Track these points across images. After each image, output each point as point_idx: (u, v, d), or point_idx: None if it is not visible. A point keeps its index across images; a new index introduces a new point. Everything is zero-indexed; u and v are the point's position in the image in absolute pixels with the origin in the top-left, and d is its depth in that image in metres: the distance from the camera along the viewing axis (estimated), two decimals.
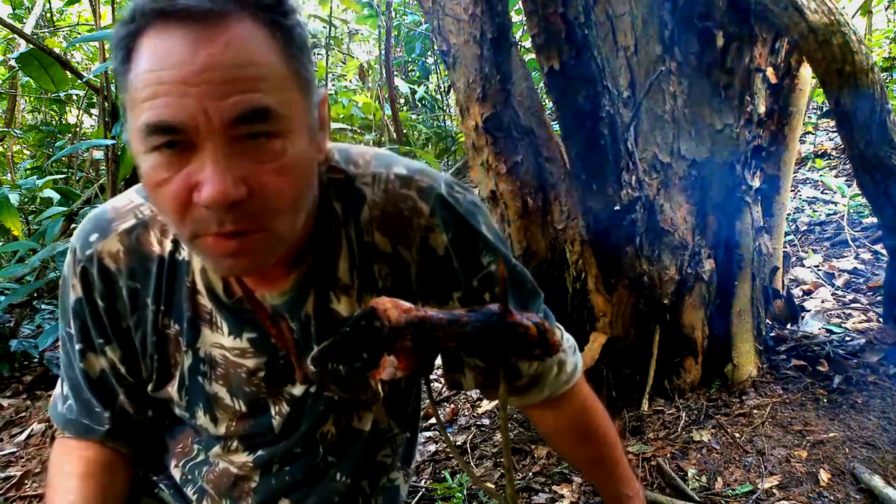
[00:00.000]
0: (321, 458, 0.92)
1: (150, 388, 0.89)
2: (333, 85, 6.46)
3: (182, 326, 0.83)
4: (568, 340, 0.97)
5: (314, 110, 0.69)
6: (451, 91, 5.01)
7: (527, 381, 0.92)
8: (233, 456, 0.93)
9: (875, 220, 2.20)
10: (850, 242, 2.97)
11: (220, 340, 0.83)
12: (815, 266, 2.84)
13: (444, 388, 2.36)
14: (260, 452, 0.91)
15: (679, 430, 1.68)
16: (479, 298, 0.83)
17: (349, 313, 0.82)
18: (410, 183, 0.80)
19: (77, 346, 0.87)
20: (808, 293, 2.57)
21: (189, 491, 0.98)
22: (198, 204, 0.61)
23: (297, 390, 0.86)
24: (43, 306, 3.61)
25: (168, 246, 0.81)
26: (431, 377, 1.10)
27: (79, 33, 5.21)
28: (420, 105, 6.58)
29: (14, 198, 2.93)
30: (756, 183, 1.83)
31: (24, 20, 4.52)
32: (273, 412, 0.88)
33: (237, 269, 0.69)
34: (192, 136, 0.60)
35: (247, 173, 0.61)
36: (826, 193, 3.77)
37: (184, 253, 0.81)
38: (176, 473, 0.99)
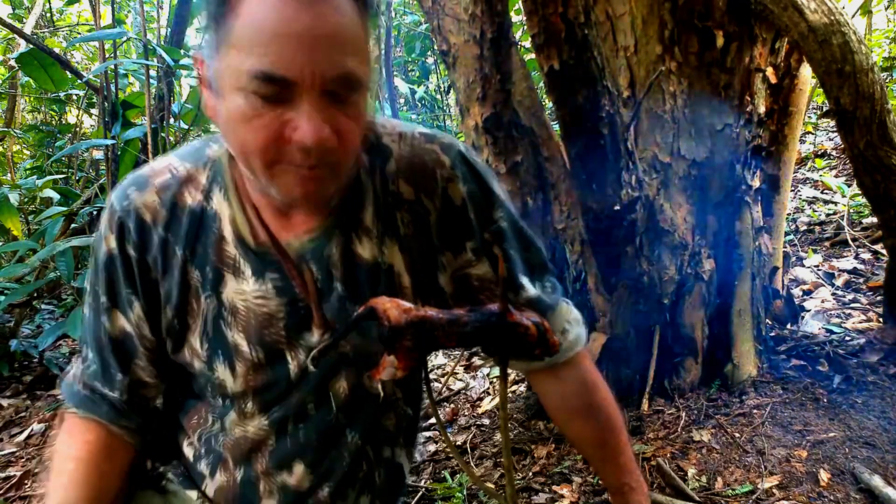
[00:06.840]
0: (334, 416, 0.95)
1: (170, 347, 0.92)
2: None
3: (205, 273, 0.88)
4: (572, 312, 1.01)
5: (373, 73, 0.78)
6: (451, 91, 5.01)
7: None
8: (248, 421, 0.94)
9: (875, 219, 2.20)
10: (850, 242, 2.97)
11: (243, 287, 0.88)
12: (815, 266, 2.84)
13: (444, 389, 2.36)
14: (274, 411, 0.93)
15: (679, 430, 1.68)
16: (488, 250, 0.91)
17: (370, 256, 0.89)
18: (434, 139, 0.91)
19: (103, 301, 0.91)
20: (808, 293, 2.57)
21: (202, 465, 0.98)
22: (289, 140, 0.71)
23: (314, 338, 0.89)
24: (43, 306, 3.61)
25: (199, 197, 0.88)
26: (431, 377, 1.09)
27: (79, 33, 5.22)
28: (420, 105, 6.58)
29: (14, 198, 2.93)
30: (756, 183, 1.84)
31: (24, 20, 4.52)
32: (289, 359, 0.91)
33: (309, 196, 0.77)
34: (294, 90, 0.69)
35: (333, 122, 0.72)
36: (826, 193, 3.78)
37: (213, 203, 0.88)
38: (189, 451, 1.00)
